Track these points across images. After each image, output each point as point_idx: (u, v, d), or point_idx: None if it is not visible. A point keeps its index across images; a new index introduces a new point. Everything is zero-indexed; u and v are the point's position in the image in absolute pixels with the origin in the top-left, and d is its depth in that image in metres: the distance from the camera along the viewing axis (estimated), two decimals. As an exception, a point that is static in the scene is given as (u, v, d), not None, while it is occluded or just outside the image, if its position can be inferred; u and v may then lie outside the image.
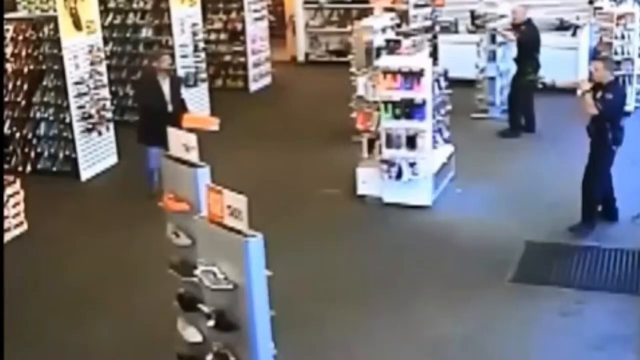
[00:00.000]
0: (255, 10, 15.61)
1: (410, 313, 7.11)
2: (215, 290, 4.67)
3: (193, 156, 5.14)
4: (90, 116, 10.85)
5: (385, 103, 9.16)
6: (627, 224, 8.56)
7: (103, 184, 10.83)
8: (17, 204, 9.16)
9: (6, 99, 10.90)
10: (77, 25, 10.59)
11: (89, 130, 10.86)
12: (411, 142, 9.14)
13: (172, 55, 11.71)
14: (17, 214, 9.15)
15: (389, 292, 7.50)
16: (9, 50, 10.94)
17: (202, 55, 13.44)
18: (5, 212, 8.89)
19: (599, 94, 8.07)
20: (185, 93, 10.95)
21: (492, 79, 12.59)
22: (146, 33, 13.20)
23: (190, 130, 5.33)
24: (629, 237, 8.28)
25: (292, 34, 18.15)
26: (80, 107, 10.72)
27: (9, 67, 10.96)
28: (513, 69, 12.04)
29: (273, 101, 14.87)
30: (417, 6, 14.49)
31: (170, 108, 9.50)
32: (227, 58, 15.58)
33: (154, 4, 13.11)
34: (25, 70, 10.97)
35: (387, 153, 9.26)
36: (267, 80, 16.06)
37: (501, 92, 12.59)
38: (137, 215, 9.14)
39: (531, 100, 11.79)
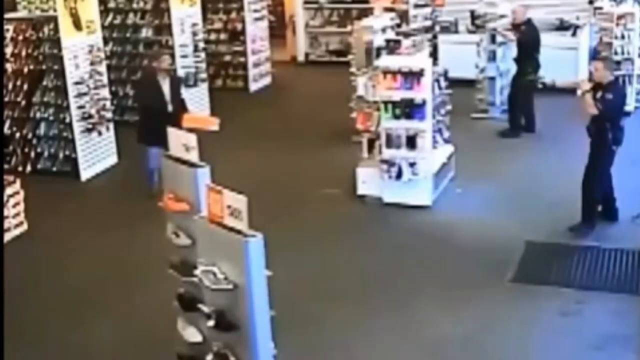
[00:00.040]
0: (255, 10, 15.61)
1: (410, 313, 7.11)
2: (215, 290, 4.67)
3: (193, 156, 5.14)
4: (90, 116, 10.85)
5: (385, 103, 9.16)
6: (627, 224, 8.56)
7: (103, 184, 10.83)
8: (17, 204, 9.16)
9: (6, 99, 10.90)
10: (77, 25, 10.59)
11: (89, 130, 10.86)
12: (411, 142, 9.14)
13: (172, 55, 11.71)
14: (17, 214, 9.16)
15: (389, 292, 7.50)
16: (9, 50, 10.94)
17: (202, 55, 13.44)
18: (5, 212, 8.89)
19: (599, 94, 8.07)
20: (185, 93, 10.95)
21: (492, 79, 12.59)
22: (146, 33, 13.20)
23: (190, 130, 5.33)
24: (629, 237, 8.28)
25: (292, 34, 18.15)
26: (80, 107, 10.73)
27: (9, 67, 10.96)
28: (513, 69, 12.04)
29: (273, 101, 14.87)
30: (417, 6, 14.49)
31: (170, 108, 9.50)
32: (227, 58, 15.58)
33: (154, 4, 13.11)
34: (25, 70, 10.97)
35: (387, 153, 9.26)
36: (267, 80, 16.06)
37: (501, 92, 12.59)
38: (137, 215, 9.14)
39: (531, 100, 11.80)
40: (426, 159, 9.19)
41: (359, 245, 8.47)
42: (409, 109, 9.04)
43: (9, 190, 9.08)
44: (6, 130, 11.05)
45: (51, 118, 10.90)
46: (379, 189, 9.43)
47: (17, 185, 9.26)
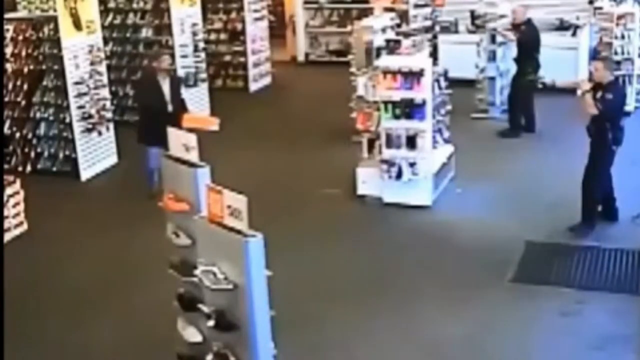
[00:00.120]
0: (255, 10, 15.61)
1: (410, 313, 7.11)
2: (215, 290, 4.67)
3: (193, 156, 5.14)
4: (90, 116, 10.85)
5: (385, 103, 9.15)
6: (627, 224, 8.55)
7: (103, 184, 10.83)
8: (17, 204, 9.16)
9: (6, 99, 10.90)
10: (77, 25, 10.59)
11: (89, 130, 10.86)
12: (411, 142, 9.14)
13: (172, 55, 11.70)
14: (17, 214, 9.15)
15: (389, 292, 7.50)
16: (9, 50, 10.94)
17: (202, 55, 13.44)
18: (5, 212, 8.89)
19: (599, 94, 8.07)
20: (185, 93, 10.94)
21: (492, 79, 12.59)
22: (146, 33, 13.20)
23: (191, 130, 5.33)
24: (629, 237, 8.28)
25: (292, 34, 18.16)
26: (80, 107, 10.72)
27: (9, 67, 10.96)
28: (513, 69, 12.04)
29: (273, 101, 14.87)
30: (417, 6, 14.49)
31: (170, 108, 9.50)
32: (227, 58, 15.58)
33: (154, 4, 13.11)
34: (25, 70, 10.97)
35: (387, 153, 9.26)
36: (267, 80, 16.06)
37: (501, 92, 12.59)
38: (137, 215, 9.14)
39: (531, 100, 11.80)
40: (426, 159, 9.19)
41: (359, 245, 8.47)
42: (409, 109, 9.04)
43: (9, 190, 9.08)
44: (6, 130, 11.05)
45: (51, 118, 10.90)
46: (379, 189, 9.43)
47: (17, 185, 9.26)
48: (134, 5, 13.27)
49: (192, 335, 5.16)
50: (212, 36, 15.42)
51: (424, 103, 8.99)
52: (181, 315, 5.30)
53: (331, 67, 15.68)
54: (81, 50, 10.69)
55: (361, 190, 9.57)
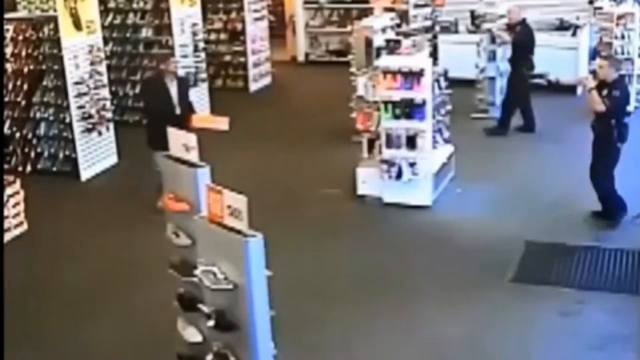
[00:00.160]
0: (255, 10, 15.62)
1: (411, 313, 7.11)
2: (215, 290, 4.67)
3: (193, 156, 5.14)
4: (90, 116, 10.85)
5: (385, 103, 9.15)
6: (627, 224, 8.55)
7: (103, 184, 10.82)
8: (17, 204, 9.15)
9: (6, 99, 10.90)
10: (77, 25, 10.59)
11: (89, 130, 10.86)
12: (411, 142, 9.14)
13: (172, 55, 11.67)
14: (17, 214, 9.15)
15: (389, 292, 7.50)
16: (9, 50, 10.93)
17: (202, 55, 13.44)
18: (5, 212, 8.88)
19: (604, 92, 8.08)
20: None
21: (492, 79, 12.59)
22: (146, 33, 13.20)
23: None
24: (629, 237, 8.28)
25: (292, 34, 18.16)
26: (80, 107, 10.72)
27: (9, 67, 10.96)
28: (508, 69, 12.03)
29: (273, 101, 14.87)
30: (417, 6, 14.51)
31: (178, 111, 9.33)
32: (227, 58, 15.58)
33: (154, 4, 13.11)
34: (25, 70, 10.97)
35: (387, 153, 9.26)
36: (267, 80, 16.06)
37: (501, 92, 12.56)
38: (137, 215, 9.13)
39: (528, 98, 11.76)
40: (426, 159, 9.19)
41: (359, 245, 8.47)
42: (409, 109, 9.04)
43: (9, 190, 9.08)
44: (6, 130, 11.05)
45: (51, 118, 10.90)
46: (379, 189, 9.43)
47: (17, 185, 9.26)
48: (134, 5, 13.27)
49: (192, 335, 5.15)
50: (212, 36, 15.43)
51: (424, 103, 8.99)
52: (181, 315, 5.30)
53: (331, 67, 15.69)
54: (81, 50, 10.69)
55: (361, 190, 9.57)
